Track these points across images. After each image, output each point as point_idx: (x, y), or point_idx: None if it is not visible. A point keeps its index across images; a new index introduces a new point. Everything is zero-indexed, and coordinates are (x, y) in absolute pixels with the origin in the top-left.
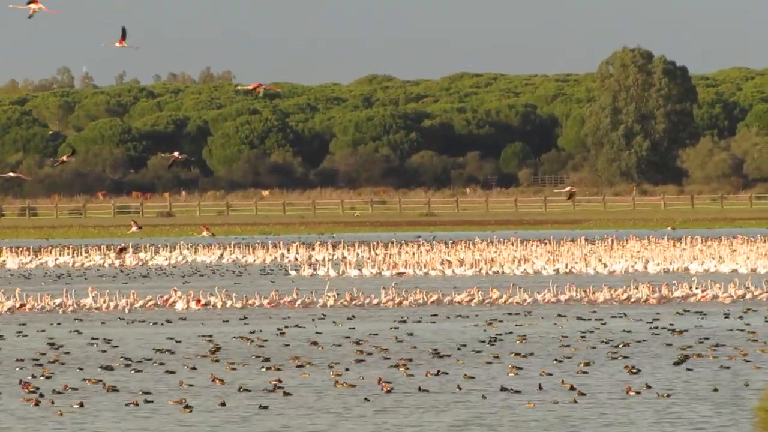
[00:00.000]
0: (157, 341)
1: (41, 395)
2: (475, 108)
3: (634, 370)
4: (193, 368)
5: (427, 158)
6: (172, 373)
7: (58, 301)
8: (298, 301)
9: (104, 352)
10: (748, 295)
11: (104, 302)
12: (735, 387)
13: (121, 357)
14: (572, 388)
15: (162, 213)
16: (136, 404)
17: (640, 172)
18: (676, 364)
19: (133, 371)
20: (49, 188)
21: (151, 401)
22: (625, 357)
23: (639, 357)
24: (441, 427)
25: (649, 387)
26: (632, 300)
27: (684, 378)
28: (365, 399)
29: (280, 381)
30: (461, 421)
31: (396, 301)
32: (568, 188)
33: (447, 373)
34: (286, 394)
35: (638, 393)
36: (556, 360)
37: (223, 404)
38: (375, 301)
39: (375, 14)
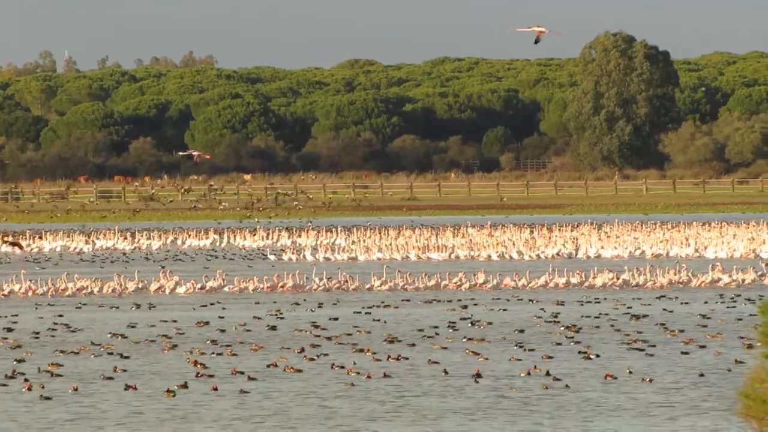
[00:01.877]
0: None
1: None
2: (457, 92)
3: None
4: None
5: (409, 142)
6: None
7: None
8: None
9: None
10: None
11: (98, 287)
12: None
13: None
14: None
15: (144, 197)
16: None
17: (622, 156)
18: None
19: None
20: (32, 172)
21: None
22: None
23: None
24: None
25: (631, 372)
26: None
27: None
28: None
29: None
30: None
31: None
32: None
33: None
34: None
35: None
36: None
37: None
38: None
39: None
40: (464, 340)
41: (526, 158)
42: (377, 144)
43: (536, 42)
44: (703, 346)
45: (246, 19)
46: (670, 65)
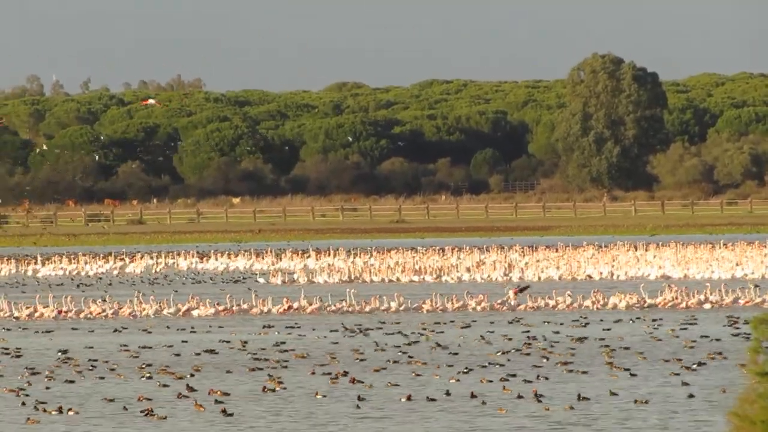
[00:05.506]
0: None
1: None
2: (446, 115)
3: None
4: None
5: (398, 165)
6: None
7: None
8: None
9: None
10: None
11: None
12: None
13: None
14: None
15: (133, 221)
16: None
17: (611, 178)
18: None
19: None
20: (20, 196)
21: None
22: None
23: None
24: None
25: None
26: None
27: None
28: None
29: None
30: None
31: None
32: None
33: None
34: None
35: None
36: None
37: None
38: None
39: (344, 21)
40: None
41: (515, 180)
42: (366, 167)
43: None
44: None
45: (233, 42)
46: (659, 86)
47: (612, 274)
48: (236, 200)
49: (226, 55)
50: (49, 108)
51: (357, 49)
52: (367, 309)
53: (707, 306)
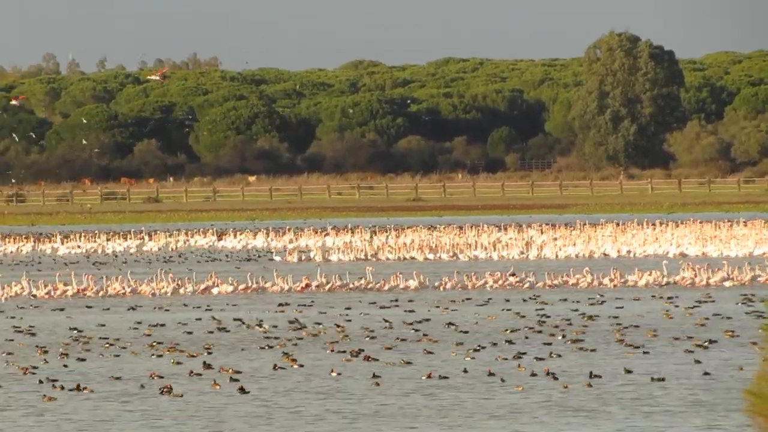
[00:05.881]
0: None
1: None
2: (462, 93)
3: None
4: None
5: (414, 143)
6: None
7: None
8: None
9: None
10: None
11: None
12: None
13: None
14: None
15: (149, 199)
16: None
17: (627, 156)
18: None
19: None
20: (36, 175)
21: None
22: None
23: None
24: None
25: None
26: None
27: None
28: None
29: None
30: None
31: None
32: None
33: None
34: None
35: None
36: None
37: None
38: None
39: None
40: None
41: (531, 158)
42: (382, 145)
43: None
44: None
45: (249, 21)
46: (675, 64)
47: (630, 252)
48: (252, 179)
49: (241, 34)
50: (65, 86)
51: (373, 28)
52: (387, 287)
53: (728, 284)
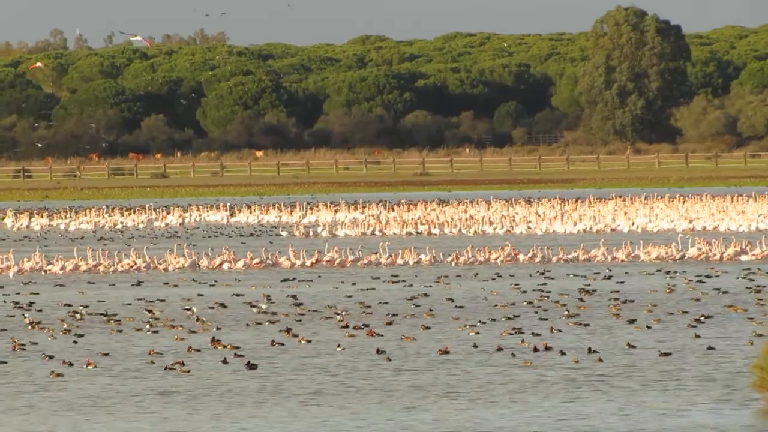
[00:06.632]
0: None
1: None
2: (469, 68)
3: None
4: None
5: (421, 118)
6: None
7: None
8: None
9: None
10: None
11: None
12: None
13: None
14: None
15: (156, 174)
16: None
17: (635, 130)
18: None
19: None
20: (43, 150)
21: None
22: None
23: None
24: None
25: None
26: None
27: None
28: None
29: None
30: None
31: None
32: None
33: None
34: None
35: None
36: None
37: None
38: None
39: None
40: None
41: (538, 133)
42: (389, 120)
43: None
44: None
45: None
46: (682, 39)
47: (639, 227)
48: (260, 154)
49: (248, 9)
50: (72, 62)
51: (381, 3)
52: (400, 261)
53: (744, 257)
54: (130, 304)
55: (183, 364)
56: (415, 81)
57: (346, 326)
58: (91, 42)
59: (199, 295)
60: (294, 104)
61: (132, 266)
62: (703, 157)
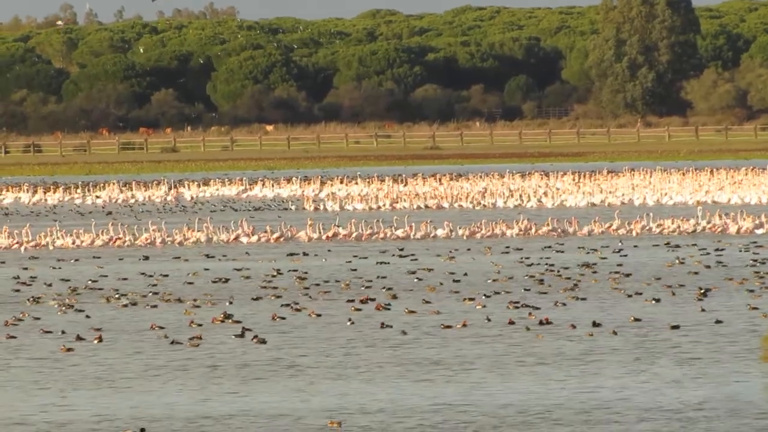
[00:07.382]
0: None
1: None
2: (479, 41)
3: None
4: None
5: (431, 92)
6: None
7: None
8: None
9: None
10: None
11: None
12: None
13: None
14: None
15: (166, 149)
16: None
17: (645, 103)
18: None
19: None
20: (53, 125)
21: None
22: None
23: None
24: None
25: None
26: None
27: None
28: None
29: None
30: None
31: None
32: None
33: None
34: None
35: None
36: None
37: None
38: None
39: None
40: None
41: (549, 106)
42: (399, 94)
43: None
44: None
45: None
46: (692, 12)
47: (651, 200)
48: (270, 128)
49: None
50: (82, 37)
51: None
52: (419, 235)
53: (761, 231)
54: (167, 275)
55: (200, 338)
56: (425, 55)
57: (351, 300)
58: (101, 17)
59: (234, 270)
60: (304, 78)
61: (148, 240)
62: (714, 130)
